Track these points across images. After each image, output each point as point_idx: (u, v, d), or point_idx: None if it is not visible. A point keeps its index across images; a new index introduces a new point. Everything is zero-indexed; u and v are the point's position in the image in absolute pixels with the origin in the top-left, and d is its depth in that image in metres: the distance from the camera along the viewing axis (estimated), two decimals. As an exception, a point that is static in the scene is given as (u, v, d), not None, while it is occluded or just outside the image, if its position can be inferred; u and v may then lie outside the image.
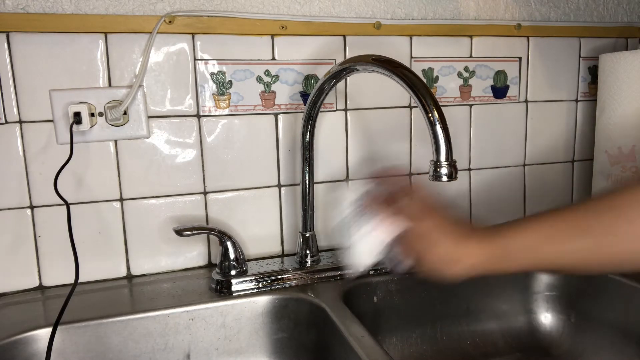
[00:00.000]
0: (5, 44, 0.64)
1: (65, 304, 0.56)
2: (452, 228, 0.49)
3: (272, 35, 0.75)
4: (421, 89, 0.51)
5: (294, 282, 0.70)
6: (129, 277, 0.74)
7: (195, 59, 0.72)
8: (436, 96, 0.83)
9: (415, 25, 0.81)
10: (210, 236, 0.76)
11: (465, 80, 0.86)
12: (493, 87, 0.88)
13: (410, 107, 0.84)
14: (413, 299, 0.73)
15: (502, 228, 0.49)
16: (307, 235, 0.72)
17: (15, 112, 0.66)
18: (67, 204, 0.62)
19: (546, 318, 0.77)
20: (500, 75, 0.88)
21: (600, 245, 0.46)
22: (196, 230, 0.68)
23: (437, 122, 0.49)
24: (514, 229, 0.48)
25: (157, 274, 0.75)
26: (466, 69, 0.86)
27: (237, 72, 0.74)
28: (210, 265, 0.77)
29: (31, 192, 0.68)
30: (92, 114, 0.68)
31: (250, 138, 0.76)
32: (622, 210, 0.45)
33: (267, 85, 0.75)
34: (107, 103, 0.69)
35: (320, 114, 0.70)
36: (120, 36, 0.68)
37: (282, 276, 0.69)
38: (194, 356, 0.64)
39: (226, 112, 0.74)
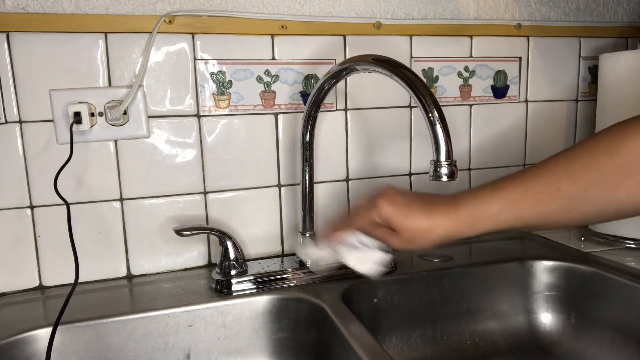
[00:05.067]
0: (5, 44, 0.64)
1: (65, 303, 0.56)
2: (420, 202, 0.51)
3: (272, 35, 0.75)
4: (421, 89, 0.51)
5: (294, 282, 0.70)
6: (129, 277, 0.74)
7: (195, 59, 0.72)
8: (436, 96, 0.83)
9: (415, 25, 0.81)
10: (210, 236, 0.76)
11: (465, 80, 0.86)
12: (493, 87, 0.88)
13: (410, 107, 0.84)
14: (413, 299, 0.73)
15: (469, 195, 0.51)
16: (307, 235, 0.72)
17: (15, 112, 0.66)
18: (67, 204, 0.62)
19: (546, 318, 0.77)
20: (500, 75, 0.88)
21: (568, 208, 0.47)
22: (196, 230, 0.68)
23: (437, 122, 0.49)
24: (480, 196, 0.50)
25: (157, 273, 0.75)
26: (466, 68, 0.86)
27: (237, 72, 0.74)
28: (210, 265, 0.77)
29: (31, 192, 0.68)
30: (92, 114, 0.68)
31: (250, 138, 0.76)
32: (590, 158, 0.46)
33: (267, 85, 0.75)
34: (107, 103, 0.69)
35: (320, 114, 0.69)
36: (120, 36, 0.68)
37: (282, 276, 0.69)
38: (194, 356, 0.64)
39: (226, 112, 0.74)
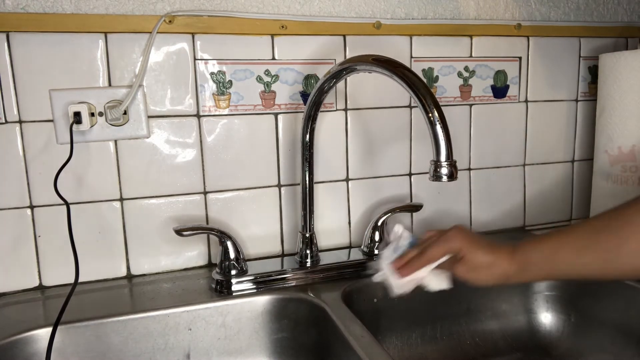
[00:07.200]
0: (5, 44, 0.64)
1: (65, 303, 0.56)
2: (486, 241, 0.56)
3: (272, 35, 0.75)
4: (421, 89, 0.51)
5: (294, 282, 0.70)
6: (129, 276, 0.74)
7: (195, 59, 0.72)
8: (436, 96, 0.83)
9: (415, 25, 0.81)
10: (210, 236, 0.76)
11: (465, 80, 0.86)
12: (493, 87, 0.88)
13: (410, 107, 0.84)
14: (413, 299, 0.72)
15: (524, 242, 0.55)
16: (307, 235, 0.72)
17: (15, 112, 0.66)
18: (67, 204, 0.62)
19: (546, 318, 0.77)
20: (500, 75, 0.88)
21: (606, 260, 0.49)
22: (196, 230, 0.68)
23: (437, 122, 0.49)
24: (533, 242, 0.54)
25: (157, 273, 0.75)
26: (466, 68, 0.86)
27: (237, 72, 0.74)
28: (210, 265, 0.77)
29: (31, 192, 0.68)
30: (92, 114, 0.68)
31: (250, 138, 0.76)
32: (628, 220, 0.48)
33: (267, 85, 0.75)
34: (107, 103, 0.69)
35: (320, 114, 0.69)
36: (120, 36, 0.68)
37: (282, 276, 0.69)
38: (194, 356, 0.64)
39: (226, 112, 0.74)
